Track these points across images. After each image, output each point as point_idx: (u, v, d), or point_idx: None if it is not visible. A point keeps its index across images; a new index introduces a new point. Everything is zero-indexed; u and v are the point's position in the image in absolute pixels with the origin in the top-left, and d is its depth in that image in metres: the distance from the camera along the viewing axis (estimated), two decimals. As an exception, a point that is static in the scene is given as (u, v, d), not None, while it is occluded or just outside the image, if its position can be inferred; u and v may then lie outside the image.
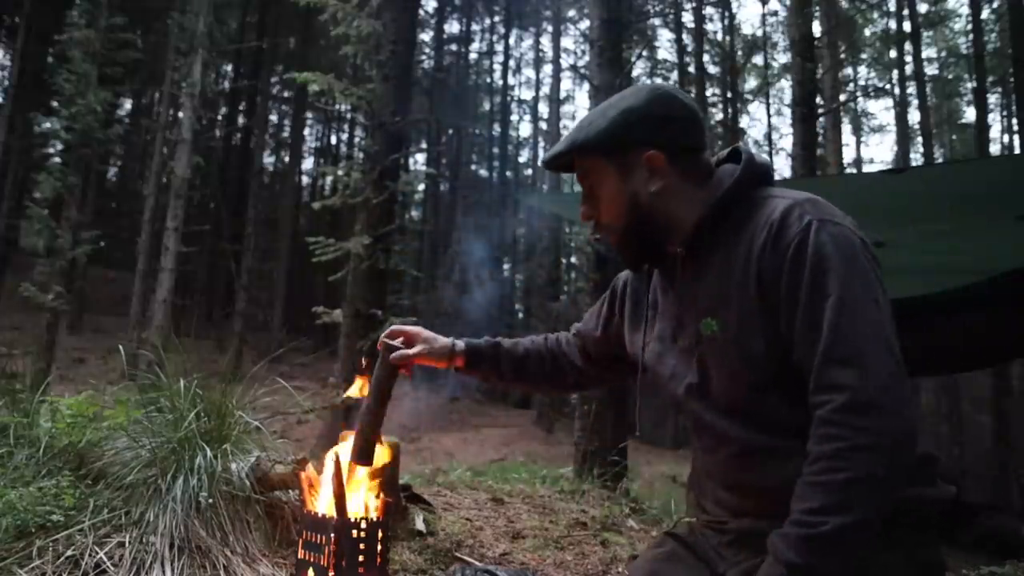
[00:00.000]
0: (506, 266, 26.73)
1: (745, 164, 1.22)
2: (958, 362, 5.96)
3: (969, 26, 18.45)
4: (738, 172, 1.21)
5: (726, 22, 22.57)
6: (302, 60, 19.87)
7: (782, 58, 22.23)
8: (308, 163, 29.28)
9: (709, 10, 21.82)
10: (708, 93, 21.30)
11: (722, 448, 1.22)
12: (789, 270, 1.08)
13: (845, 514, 0.97)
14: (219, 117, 23.08)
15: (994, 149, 20.59)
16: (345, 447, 1.57)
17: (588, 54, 9.73)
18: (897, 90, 21.37)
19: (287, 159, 27.92)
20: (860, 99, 23.43)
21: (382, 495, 1.66)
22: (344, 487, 1.56)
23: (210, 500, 2.11)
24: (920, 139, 21.17)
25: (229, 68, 24.59)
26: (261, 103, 22.56)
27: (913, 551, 1.10)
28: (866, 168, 25.34)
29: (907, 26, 18.87)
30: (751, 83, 24.09)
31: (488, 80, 29.43)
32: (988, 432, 15.19)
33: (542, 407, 18.17)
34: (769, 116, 24.96)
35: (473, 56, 29.31)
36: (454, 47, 28.37)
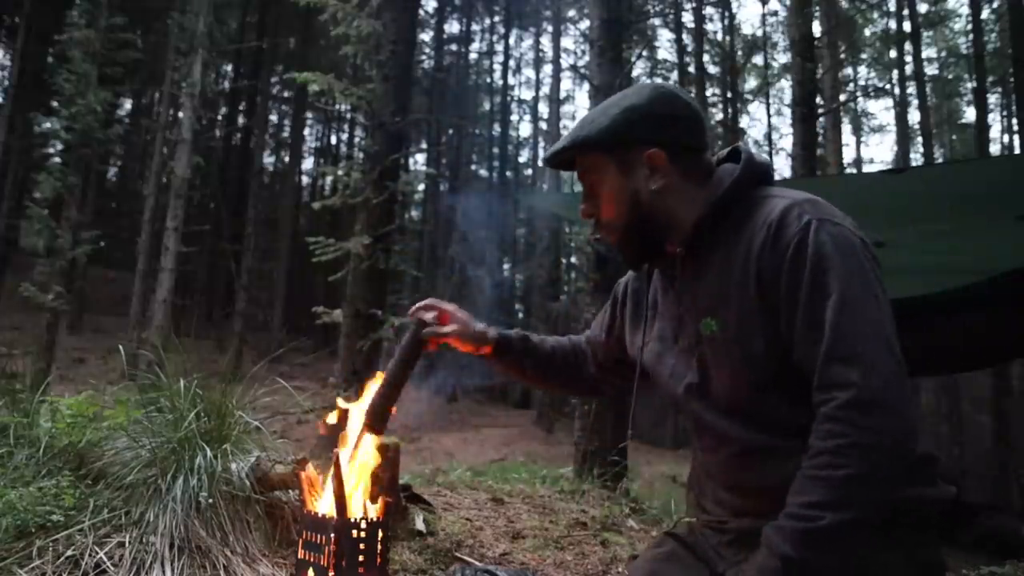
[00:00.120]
0: (506, 266, 26.74)
1: (744, 163, 1.22)
2: (958, 362, 5.96)
3: (969, 26, 18.46)
4: (738, 171, 1.21)
5: (726, 22, 22.58)
6: (302, 60, 19.87)
7: (782, 58, 22.26)
8: (308, 163, 29.32)
9: (709, 10, 21.83)
10: (708, 93, 21.30)
11: (722, 448, 1.22)
12: (788, 270, 1.08)
13: (844, 510, 0.97)
14: (219, 117, 23.08)
15: (994, 149, 20.60)
16: (353, 429, 1.57)
17: (588, 54, 9.72)
18: (897, 90, 21.39)
19: (287, 159, 27.93)
20: (860, 99, 23.45)
21: (382, 495, 1.66)
22: (344, 487, 1.56)
23: (210, 500, 2.11)
24: (920, 139, 21.17)
25: (229, 68, 24.59)
26: (261, 103, 22.56)
27: (913, 551, 1.10)
28: (866, 168, 25.36)
29: (907, 26, 18.87)
30: (751, 83, 24.09)
31: (488, 80, 29.44)
32: (988, 432, 15.19)
33: (542, 407, 18.17)
34: (769, 116, 24.99)
35: (473, 56, 29.32)
36: (454, 47, 28.38)
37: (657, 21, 21.29)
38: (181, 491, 2.10)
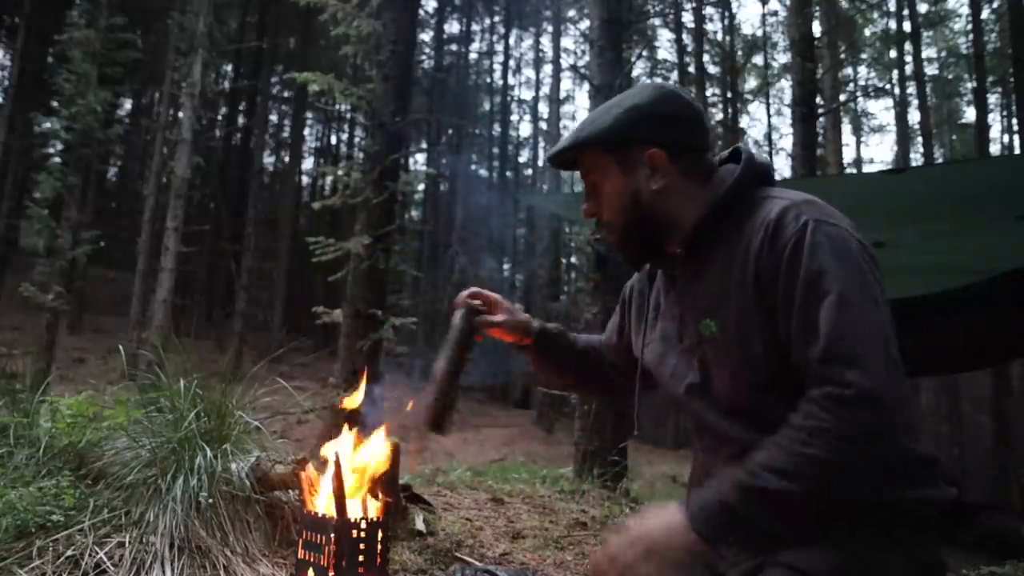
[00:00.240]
0: (506, 266, 26.75)
1: (745, 164, 1.22)
2: (958, 362, 5.96)
3: (969, 26, 18.46)
4: (738, 172, 1.21)
5: (726, 22, 22.58)
6: (302, 60, 19.85)
7: (782, 58, 22.25)
8: (308, 163, 29.29)
9: (709, 10, 21.83)
10: (708, 93, 21.30)
11: (723, 448, 1.22)
12: (786, 270, 1.08)
13: (791, 482, 0.99)
14: (219, 117, 23.07)
15: (994, 149, 20.59)
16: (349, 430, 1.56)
17: (588, 54, 9.72)
18: (897, 90, 21.38)
19: (287, 159, 27.91)
20: (860, 99, 23.45)
21: (382, 495, 1.66)
22: (344, 487, 1.56)
23: (210, 500, 2.11)
24: (920, 139, 21.17)
25: (229, 68, 24.58)
26: (261, 103, 22.55)
27: (913, 551, 1.10)
28: (866, 168, 25.35)
29: (907, 26, 18.87)
30: (751, 83, 24.09)
31: (488, 80, 29.43)
32: (988, 432, 15.18)
33: (542, 407, 18.17)
34: (769, 116, 24.98)
35: (473, 56, 29.31)
36: (454, 47, 28.37)
37: (657, 21, 21.29)
38: (181, 491, 2.10)
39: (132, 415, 2.46)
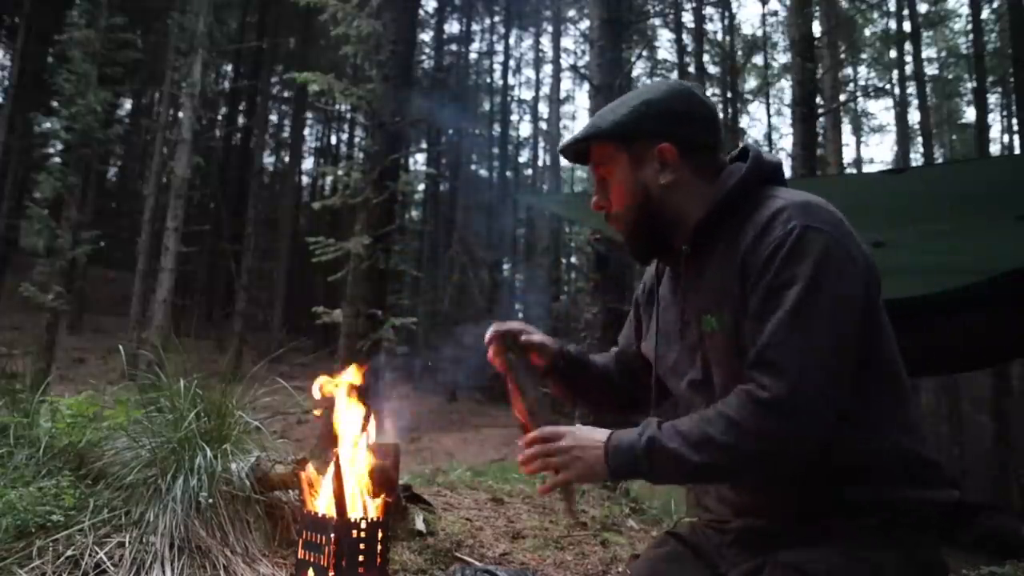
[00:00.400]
0: (506, 266, 26.74)
1: (751, 163, 1.22)
2: (958, 362, 5.95)
3: (969, 26, 18.44)
4: (743, 171, 1.22)
5: (726, 22, 22.56)
6: (302, 60, 19.85)
7: (782, 58, 22.23)
8: (308, 163, 29.27)
9: (709, 10, 21.80)
10: (708, 93, 21.22)
11: (724, 445, 1.23)
12: (760, 273, 1.10)
13: (692, 451, 1.08)
14: (219, 117, 23.05)
15: (994, 149, 20.57)
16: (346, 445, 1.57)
17: (588, 54, 9.73)
18: (897, 90, 21.36)
19: (287, 159, 27.90)
20: (860, 99, 23.43)
21: (382, 495, 1.66)
22: (344, 487, 1.56)
23: (210, 500, 2.11)
24: (920, 139, 21.15)
25: (229, 68, 24.56)
26: (261, 103, 22.55)
27: (913, 551, 1.10)
28: (866, 168, 25.32)
29: (907, 26, 18.85)
30: (751, 83, 24.07)
31: (488, 80, 29.42)
32: (988, 432, 15.16)
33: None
34: (769, 116, 24.93)
35: (473, 56, 29.30)
36: (454, 47, 28.35)
37: (657, 21, 21.28)
38: (181, 491, 2.10)
39: (132, 415, 2.46)
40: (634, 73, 17.56)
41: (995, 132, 21.94)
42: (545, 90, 28.42)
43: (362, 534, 1.52)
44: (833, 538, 1.10)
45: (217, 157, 20.79)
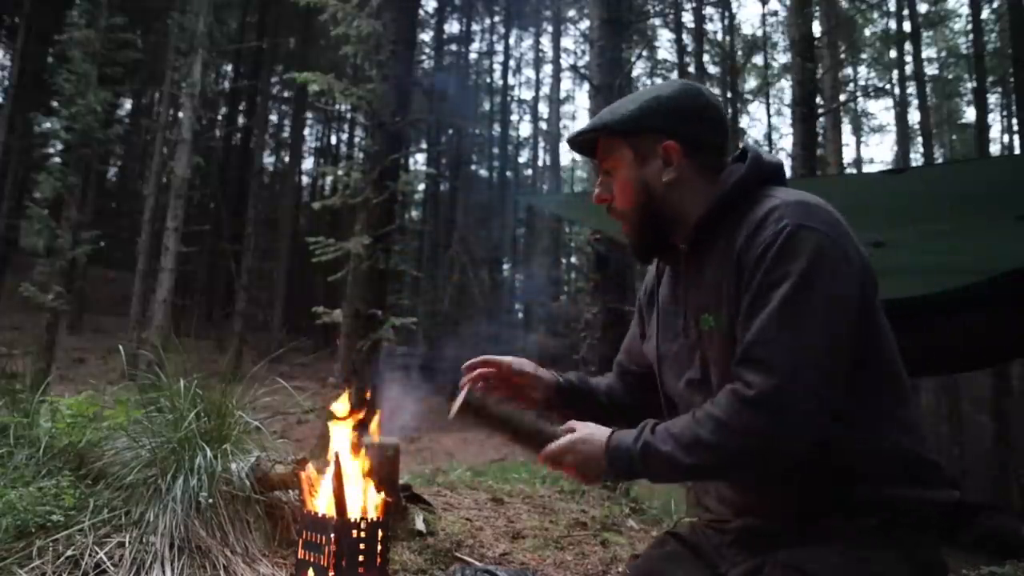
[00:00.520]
0: (506, 266, 26.73)
1: (750, 163, 1.23)
2: (958, 362, 5.95)
3: (969, 26, 18.44)
4: (743, 170, 1.22)
5: (726, 22, 22.55)
6: (302, 60, 19.84)
7: (782, 58, 22.21)
8: (308, 163, 29.25)
9: (709, 10, 21.80)
10: (708, 93, 21.19)
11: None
12: (752, 270, 1.11)
13: (683, 453, 1.10)
14: (219, 117, 23.04)
15: (994, 149, 20.57)
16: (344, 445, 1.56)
17: (588, 54, 9.73)
18: (897, 90, 21.35)
19: (287, 159, 27.89)
20: (860, 99, 23.42)
21: (382, 495, 1.66)
22: (344, 487, 1.56)
23: (210, 500, 2.11)
24: (920, 139, 21.15)
25: (229, 68, 24.55)
26: (261, 103, 22.54)
27: (912, 551, 1.11)
28: (866, 168, 25.31)
29: (907, 26, 18.85)
30: (751, 83, 24.06)
31: (488, 80, 29.43)
32: (988, 432, 15.16)
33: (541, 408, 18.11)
34: (769, 116, 24.94)
35: (473, 56, 29.30)
36: (454, 47, 28.35)
37: (657, 21, 21.28)
38: (181, 491, 2.10)
39: (132, 415, 2.46)
40: (634, 73, 17.54)
41: (995, 132, 21.96)
42: (545, 90, 28.48)
43: (362, 534, 1.52)
44: (833, 538, 1.10)
45: (217, 157, 20.79)
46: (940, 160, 21.53)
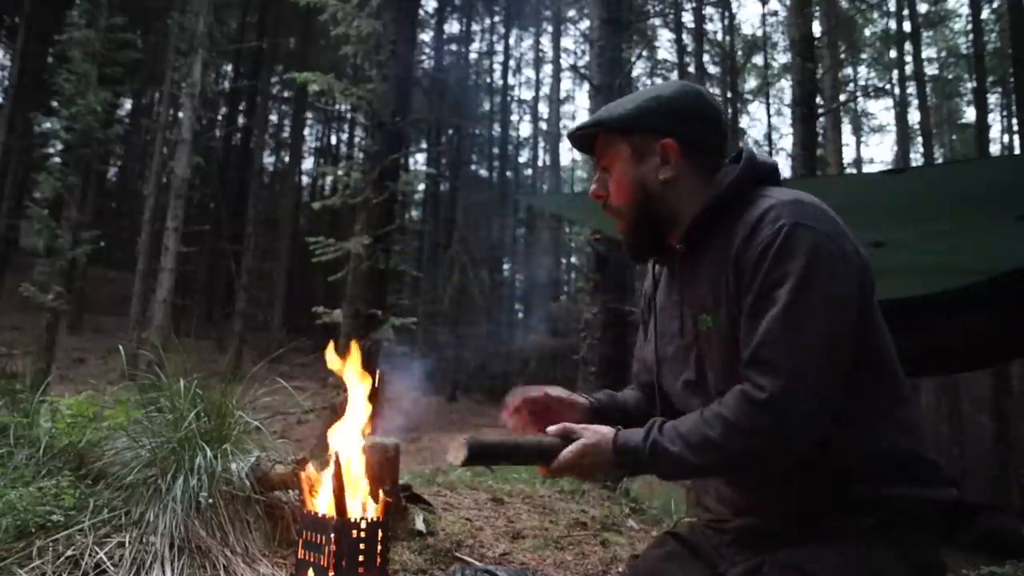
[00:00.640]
0: (506, 266, 26.73)
1: (744, 163, 1.23)
2: (958, 362, 5.95)
3: (969, 26, 18.43)
4: (737, 171, 1.22)
5: (726, 22, 22.54)
6: (302, 60, 19.85)
7: (782, 58, 22.21)
8: (308, 163, 29.25)
9: (709, 10, 21.79)
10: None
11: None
12: (752, 272, 1.11)
13: (691, 453, 1.11)
14: (219, 117, 23.04)
15: (994, 149, 20.56)
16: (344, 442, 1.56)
17: (588, 54, 9.73)
18: (897, 90, 21.35)
19: (287, 159, 27.89)
20: (860, 99, 23.42)
21: (382, 495, 1.66)
22: (344, 487, 1.56)
23: (210, 500, 2.11)
24: (920, 139, 21.15)
25: (229, 68, 24.55)
26: (261, 103, 22.54)
27: (911, 551, 1.11)
28: (866, 168, 25.31)
29: (907, 26, 18.85)
30: (751, 83, 24.06)
31: (488, 80, 29.42)
32: (988, 432, 15.16)
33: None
34: (769, 116, 24.93)
35: (473, 56, 29.29)
36: (454, 47, 28.35)
37: (657, 21, 21.27)
38: (181, 491, 2.10)
39: (132, 415, 2.45)
40: (634, 73, 17.55)
41: (995, 132, 21.95)
42: (545, 90, 28.47)
43: (362, 534, 1.52)
44: (832, 537, 1.10)
45: (217, 157, 20.79)
46: (940, 160, 21.54)
